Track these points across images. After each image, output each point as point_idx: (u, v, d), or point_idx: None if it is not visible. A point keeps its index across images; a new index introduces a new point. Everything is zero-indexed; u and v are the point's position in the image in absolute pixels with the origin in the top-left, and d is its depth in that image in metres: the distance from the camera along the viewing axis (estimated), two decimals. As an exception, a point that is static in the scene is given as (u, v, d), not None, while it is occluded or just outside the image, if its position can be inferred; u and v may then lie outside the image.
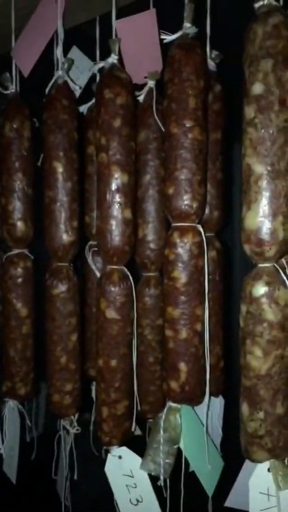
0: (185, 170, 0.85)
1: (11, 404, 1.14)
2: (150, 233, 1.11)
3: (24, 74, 1.09)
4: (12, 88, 1.12)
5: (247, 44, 0.78)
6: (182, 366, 0.88)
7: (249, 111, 0.77)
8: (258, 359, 0.78)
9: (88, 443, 1.28)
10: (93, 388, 1.28)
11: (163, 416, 0.88)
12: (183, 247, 0.87)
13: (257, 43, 0.77)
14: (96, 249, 1.22)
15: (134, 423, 0.99)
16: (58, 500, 1.30)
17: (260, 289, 0.77)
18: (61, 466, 1.26)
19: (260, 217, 0.76)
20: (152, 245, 1.11)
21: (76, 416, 1.09)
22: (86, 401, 1.20)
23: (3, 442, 1.15)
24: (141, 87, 1.10)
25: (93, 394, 1.27)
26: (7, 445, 1.15)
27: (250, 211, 0.77)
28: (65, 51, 1.11)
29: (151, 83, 1.08)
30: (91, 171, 1.21)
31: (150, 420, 1.17)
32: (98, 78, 1.20)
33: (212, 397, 1.00)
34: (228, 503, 0.95)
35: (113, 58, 0.94)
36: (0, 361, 1.18)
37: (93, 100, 1.20)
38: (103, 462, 1.05)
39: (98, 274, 1.21)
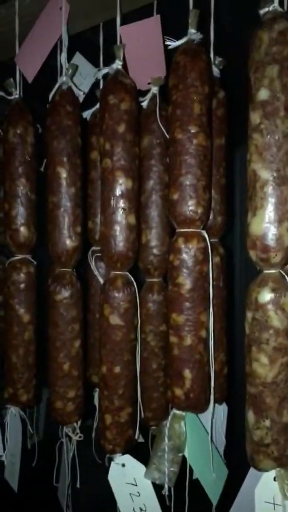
0: (190, 176, 0.85)
1: (13, 411, 1.13)
2: (153, 238, 1.11)
3: (28, 80, 1.09)
4: (16, 94, 1.12)
5: (253, 50, 0.78)
6: (187, 373, 0.87)
7: (255, 117, 0.77)
8: (264, 366, 0.77)
9: (89, 450, 1.27)
10: (96, 394, 1.27)
11: (168, 424, 0.87)
12: (188, 253, 0.86)
13: (262, 49, 0.77)
14: (99, 254, 1.21)
15: (137, 431, 0.98)
16: (59, 508, 1.29)
17: (266, 296, 0.77)
18: (63, 473, 1.24)
19: (266, 223, 0.75)
20: (155, 251, 1.11)
21: (79, 423, 1.08)
22: (88, 408, 1.19)
23: (4, 449, 1.14)
24: (144, 93, 1.10)
25: (96, 401, 1.27)
26: (8, 452, 1.14)
27: (256, 217, 0.76)
28: (68, 58, 1.11)
29: (154, 89, 1.09)
30: (95, 176, 1.21)
31: (153, 427, 1.17)
32: (101, 84, 1.21)
33: (215, 404, 0.99)
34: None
35: (117, 64, 0.94)
36: (2, 367, 1.17)
37: (97, 106, 1.21)
38: (105, 469, 1.04)
39: (101, 280, 1.21)
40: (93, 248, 1.24)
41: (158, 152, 1.09)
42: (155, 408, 1.14)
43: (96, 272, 1.22)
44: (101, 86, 1.20)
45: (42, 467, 1.30)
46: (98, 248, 1.21)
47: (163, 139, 1.07)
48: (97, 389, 1.26)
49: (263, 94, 0.76)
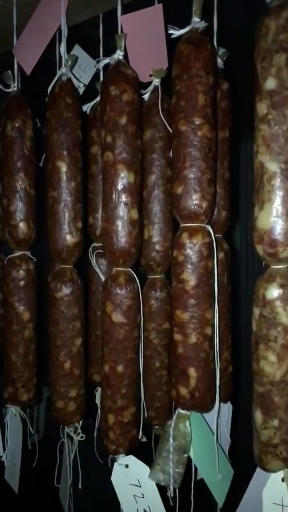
0: (194, 169, 0.83)
1: (13, 411, 1.10)
2: (156, 234, 1.08)
3: (26, 72, 1.06)
4: (14, 87, 1.09)
5: (259, 38, 0.76)
6: (192, 372, 0.85)
7: (262, 108, 0.74)
8: (272, 364, 0.75)
9: (91, 450, 1.25)
10: (97, 394, 1.25)
11: (173, 424, 0.85)
12: (192, 249, 0.84)
13: (270, 37, 0.74)
14: (100, 251, 1.19)
15: (141, 431, 0.96)
16: (61, 509, 1.27)
17: (274, 292, 0.74)
18: (64, 473, 1.22)
19: (274, 217, 0.73)
20: (158, 247, 1.08)
21: (81, 423, 1.06)
22: (89, 407, 1.17)
23: (4, 450, 1.11)
24: (145, 85, 1.07)
25: (97, 400, 1.24)
26: (8, 453, 1.12)
27: (263, 211, 0.74)
28: (67, 51, 1.08)
29: (156, 81, 1.06)
30: (95, 171, 1.18)
31: (157, 426, 1.15)
32: (101, 76, 1.18)
33: (220, 404, 0.97)
34: None
35: (118, 54, 0.91)
36: (2, 366, 1.15)
37: (97, 99, 1.18)
38: (107, 469, 1.02)
39: (102, 277, 1.18)
40: (94, 244, 1.21)
41: (160, 146, 1.07)
42: (159, 407, 1.12)
43: (97, 269, 1.20)
44: (101, 79, 1.18)
45: (42, 467, 1.28)
46: (99, 244, 1.19)
47: (165, 133, 1.05)
48: (99, 388, 1.24)
49: (270, 83, 0.74)
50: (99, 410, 1.23)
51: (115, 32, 0.95)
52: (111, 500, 1.00)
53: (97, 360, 1.19)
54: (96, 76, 1.22)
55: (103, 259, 1.21)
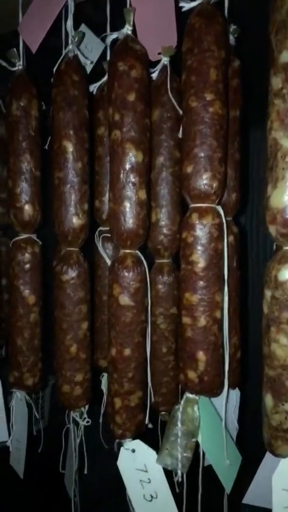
0: (205, 147, 0.80)
1: (19, 395, 1.09)
2: (163, 217, 1.06)
3: (32, 50, 1.03)
4: (20, 65, 1.06)
5: (274, 11, 0.73)
6: (201, 356, 0.83)
7: (277, 81, 0.71)
8: (283, 347, 0.73)
9: (96, 436, 1.24)
10: (103, 379, 1.24)
11: (181, 408, 0.83)
12: (202, 229, 0.82)
13: (285, 9, 0.71)
14: (106, 235, 1.17)
15: (147, 416, 0.94)
16: (66, 494, 1.27)
17: (287, 273, 0.72)
18: (69, 459, 1.21)
19: (288, 196, 0.71)
20: (165, 230, 1.06)
21: (87, 408, 1.05)
22: (95, 393, 1.15)
23: (10, 435, 1.11)
24: (153, 64, 1.04)
25: (103, 386, 1.23)
26: (14, 438, 1.11)
27: (277, 189, 0.72)
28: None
29: (165, 60, 1.03)
30: (102, 153, 1.16)
31: (163, 412, 1.13)
32: (108, 56, 1.15)
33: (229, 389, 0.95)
34: (246, 500, 0.91)
35: (127, 29, 0.88)
36: (7, 350, 1.14)
37: (103, 79, 1.15)
38: (112, 455, 1.01)
39: (108, 261, 1.16)
40: (100, 228, 1.19)
41: (168, 126, 1.04)
42: (165, 393, 1.11)
43: (103, 253, 1.18)
44: (108, 59, 1.15)
45: (47, 453, 1.27)
46: (106, 228, 1.17)
47: (173, 113, 1.02)
48: (104, 374, 1.23)
49: (285, 56, 0.71)
50: (104, 396, 1.22)
51: (121, 12, 0.92)
52: (116, 486, 0.99)
53: (103, 346, 1.17)
54: (103, 56, 1.19)
55: (109, 243, 1.19)
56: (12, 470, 1.20)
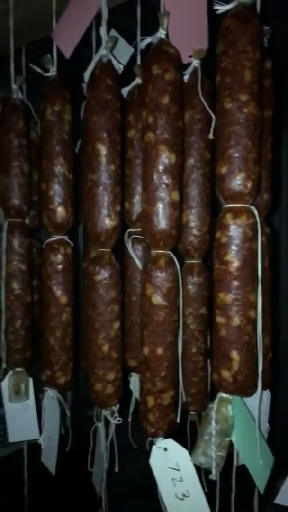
0: (239, 148, 0.81)
1: (51, 394, 1.11)
2: (193, 218, 1.07)
3: (65, 56, 1.06)
4: (53, 71, 1.09)
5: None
6: (235, 355, 0.83)
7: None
8: None
9: (124, 435, 1.25)
10: (132, 379, 1.25)
11: (215, 407, 0.83)
12: (236, 229, 0.82)
13: None
14: (136, 236, 1.18)
15: (179, 415, 0.95)
16: (94, 493, 1.28)
17: None
18: (98, 458, 1.23)
19: None
20: (195, 231, 1.07)
21: (118, 406, 1.06)
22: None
23: (42, 432, 1.13)
24: (184, 66, 1.06)
25: (132, 386, 1.24)
26: (45, 436, 1.13)
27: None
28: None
29: (196, 63, 1.04)
30: (132, 155, 1.18)
31: (192, 412, 1.14)
32: (138, 60, 1.17)
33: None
34: (279, 500, 0.90)
35: (161, 33, 0.90)
36: (40, 349, 1.16)
37: (134, 83, 1.17)
38: (138, 454, 1.01)
39: (138, 262, 1.18)
40: (130, 229, 1.21)
41: (199, 128, 1.05)
42: (195, 393, 1.11)
43: (133, 254, 1.19)
44: (138, 63, 1.17)
45: (74, 452, 1.29)
46: (135, 229, 1.19)
47: (204, 115, 1.03)
48: (133, 374, 1.24)
49: None
50: (133, 395, 1.24)
51: (148, 17, 0.93)
52: (144, 484, 1.00)
53: (132, 346, 1.18)
54: (133, 60, 1.21)
55: (139, 244, 1.20)
56: (41, 468, 1.21)
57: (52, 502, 1.60)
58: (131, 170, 1.18)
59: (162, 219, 0.91)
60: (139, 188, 1.16)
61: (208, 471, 0.87)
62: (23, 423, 1.18)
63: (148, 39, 0.93)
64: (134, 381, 1.21)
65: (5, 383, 1.16)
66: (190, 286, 1.10)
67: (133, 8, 1.17)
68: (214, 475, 0.82)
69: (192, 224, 1.07)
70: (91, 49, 1.26)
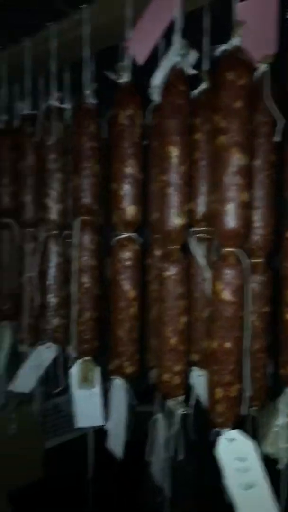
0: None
1: (118, 382, 1.18)
2: (259, 219, 1.10)
3: (138, 63, 1.12)
4: (126, 77, 1.15)
5: None
6: (304, 351, 0.86)
7: None
8: None
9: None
10: (192, 373, 1.29)
11: (284, 401, 0.86)
12: (308, 229, 0.85)
13: None
14: (199, 235, 1.22)
15: (247, 408, 0.98)
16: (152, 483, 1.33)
17: None
18: (157, 448, 1.28)
19: None
20: (260, 231, 1.10)
21: (183, 397, 1.11)
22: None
23: (108, 419, 1.19)
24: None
25: (192, 380, 1.28)
26: (112, 423, 1.19)
27: None
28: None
29: (264, 67, 1.07)
30: (197, 157, 1.22)
31: (254, 407, 1.16)
32: (203, 64, 1.21)
33: None
34: None
35: (236, 41, 0.94)
36: (106, 341, 1.23)
37: (200, 88, 1.21)
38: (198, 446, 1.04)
39: (201, 261, 1.22)
40: (194, 228, 1.25)
41: (265, 131, 1.08)
42: (257, 388, 1.14)
43: (196, 252, 1.23)
44: (202, 67, 1.21)
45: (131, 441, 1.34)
46: (199, 228, 1.23)
47: (270, 118, 1.06)
48: (193, 368, 1.28)
49: None
50: (193, 389, 1.28)
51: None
52: (206, 475, 1.04)
53: (195, 340, 1.23)
54: (198, 64, 1.25)
55: (202, 243, 1.24)
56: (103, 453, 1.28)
57: (115, 486, 1.67)
58: (196, 171, 1.23)
59: (232, 219, 0.95)
60: (203, 189, 1.20)
61: (273, 464, 0.90)
62: (89, 409, 1.25)
63: (224, 46, 0.97)
64: (196, 375, 1.26)
65: (74, 370, 1.24)
66: (254, 284, 1.12)
67: (196, 17, 1.21)
68: (282, 464, 0.85)
69: (257, 224, 1.10)
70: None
